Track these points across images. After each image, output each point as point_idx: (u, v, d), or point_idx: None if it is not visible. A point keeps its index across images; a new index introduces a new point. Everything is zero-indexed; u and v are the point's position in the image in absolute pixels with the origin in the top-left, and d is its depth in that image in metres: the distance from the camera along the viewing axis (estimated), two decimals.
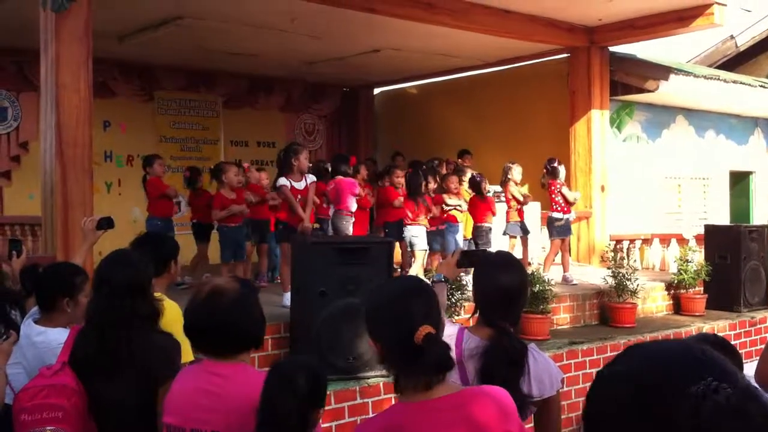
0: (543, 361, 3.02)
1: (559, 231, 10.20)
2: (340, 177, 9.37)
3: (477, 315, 3.14)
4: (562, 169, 10.27)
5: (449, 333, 3.11)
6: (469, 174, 10.53)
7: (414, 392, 2.30)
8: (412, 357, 2.26)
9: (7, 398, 3.40)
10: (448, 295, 7.14)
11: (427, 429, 2.23)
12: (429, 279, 3.65)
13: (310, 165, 9.52)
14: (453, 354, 2.96)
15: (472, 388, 2.48)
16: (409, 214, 9.48)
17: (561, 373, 3.12)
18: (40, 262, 5.51)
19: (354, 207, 9.36)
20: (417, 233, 9.45)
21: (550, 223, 10.32)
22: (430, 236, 9.67)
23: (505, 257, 3.32)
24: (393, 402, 2.46)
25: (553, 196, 10.21)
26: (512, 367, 2.90)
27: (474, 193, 10.21)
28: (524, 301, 3.16)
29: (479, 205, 10.11)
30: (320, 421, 2.60)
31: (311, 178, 8.43)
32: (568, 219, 10.19)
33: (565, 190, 10.23)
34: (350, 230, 9.24)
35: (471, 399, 2.33)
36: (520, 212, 10.40)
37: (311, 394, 2.52)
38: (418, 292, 2.41)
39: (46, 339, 3.66)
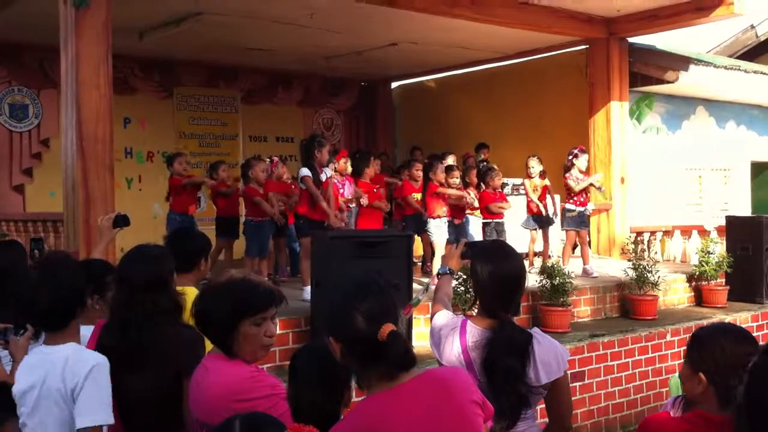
0: (547, 344, 3.04)
1: (570, 222, 10.19)
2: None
3: (478, 304, 3.17)
4: (580, 161, 10.18)
5: (453, 324, 3.14)
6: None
7: (380, 384, 2.33)
8: (376, 354, 2.28)
9: None
10: (465, 288, 7.18)
11: (406, 414, 2.27)
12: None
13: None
14: (458, 343, 3.01)
15: (431, 370, 2.51)
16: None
17: (567, 352, 3.15)
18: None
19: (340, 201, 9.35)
20: (433, 227, 9.50)
21: (563, 214, 10.34)
22: (451, 229, 9.71)
23: (500, 247, 3.31)
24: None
25: (567, 189, 10.23)
26: (516, 357, 2.92)
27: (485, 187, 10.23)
28: (522, 290, 3.16)
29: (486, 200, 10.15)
30: (350, 402, 2.63)
31: (329, 172, 8.44)
32: (581, 211, 10.14)
33: (570, 181, 10.16)
34: (345, 223, 9.23)
35: (434, 379, 2.39)
36: (541, 204, 10.40)
37: (341, 376, 2.55)
38: (376, 290, 2.40)
39: None
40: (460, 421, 2.33)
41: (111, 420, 2.94)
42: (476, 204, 10.13)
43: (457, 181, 9.96)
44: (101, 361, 2.99)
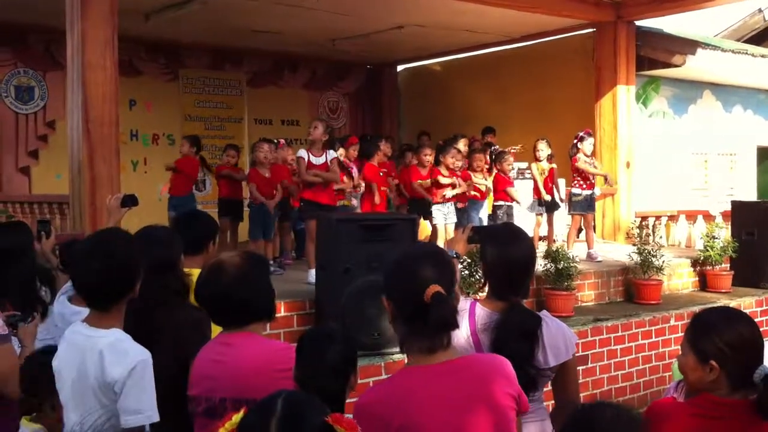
0: (556, 327, 3.05)
1: (576, 206, 10.20)
2: None
3: (487, 288, 3.17)
4: (585, 144, 10.17)
5: (461, 307, 3.15)
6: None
7: (419, 355, 2.36)
8: (420, 315, 2.30)
9: None
10: (470, 272, 7.19)
11: (435, 391, 2.29)
12: None
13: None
14: (467, 326, 3.02)
15: (474, 355, 2.52)
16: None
17: (575, 336, 3.15)
18: (79, 237, 5.60)
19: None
20: (436, 211, 9.52)
21: (569, 198, 10.34)
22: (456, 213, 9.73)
23: (510, 230, 3.31)
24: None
25: (574, 173, 10.22)
26: (525, 341, 2.93)
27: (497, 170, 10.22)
28: (532, 273, 3.17)
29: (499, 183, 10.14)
30: (356, 385, 2.65)
31: (332, 154, 8.43)
32: (588, 195, 10.15)
33: (584, 164, 10.16)
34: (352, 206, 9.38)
35: (473, 363, 2.42)
36: (547, 189, 10.38)
37: (347, 359, 2.58)
38: (434, 257, 2.46)
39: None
40: (490, 410, 2.33)
41: (156, 418, 2.86)
42: (473, 192, 10.12)
43: (459, 164, 9.94)
44: (145, 357, 2.86)
